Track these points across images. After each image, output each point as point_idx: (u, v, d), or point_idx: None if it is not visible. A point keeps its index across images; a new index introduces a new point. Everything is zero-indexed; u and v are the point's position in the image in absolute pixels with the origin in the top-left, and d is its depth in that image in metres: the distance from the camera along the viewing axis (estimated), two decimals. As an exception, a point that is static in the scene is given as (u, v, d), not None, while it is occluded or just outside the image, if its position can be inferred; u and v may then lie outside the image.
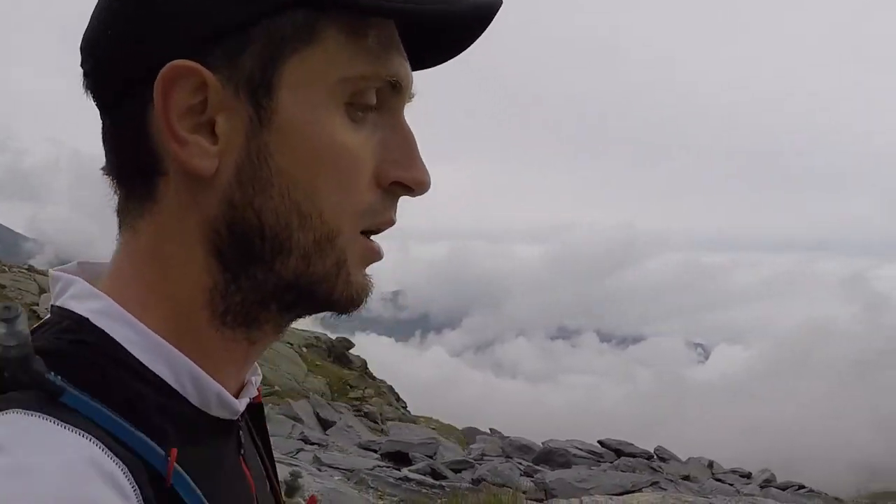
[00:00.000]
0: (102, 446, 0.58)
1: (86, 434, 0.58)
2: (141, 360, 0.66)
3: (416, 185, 0.73)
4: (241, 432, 0.77)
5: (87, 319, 0.66)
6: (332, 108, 0.69)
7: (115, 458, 0.59)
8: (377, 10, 0.68)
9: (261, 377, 0.80)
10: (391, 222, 0.74)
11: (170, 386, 0.67)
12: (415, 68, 0.76)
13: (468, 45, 0.76)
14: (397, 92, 0.73)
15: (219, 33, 0.67)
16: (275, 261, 0.69)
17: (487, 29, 0.74)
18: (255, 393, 0.79)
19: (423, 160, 0.74)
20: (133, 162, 0.69)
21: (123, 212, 0.72)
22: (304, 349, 33.63)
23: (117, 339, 0.65)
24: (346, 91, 0.69)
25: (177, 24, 0.67)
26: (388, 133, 0.73)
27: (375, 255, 0.74)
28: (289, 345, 32.67)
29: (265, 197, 0.67)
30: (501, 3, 0.73)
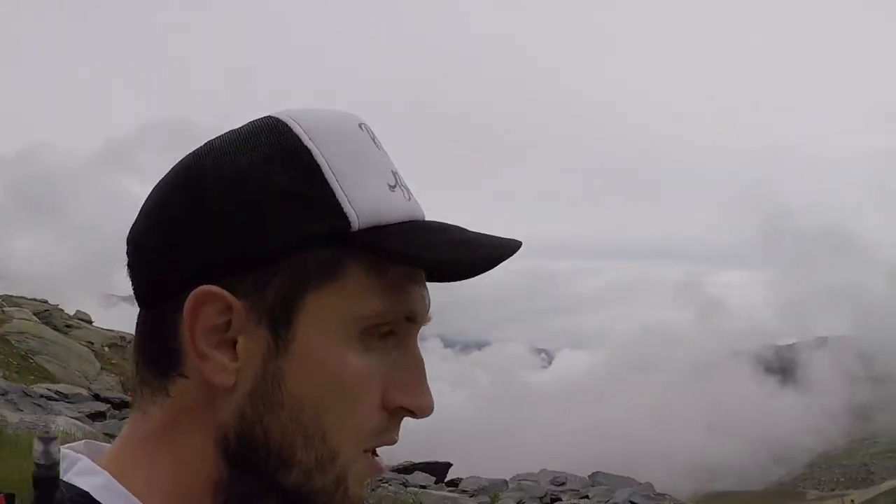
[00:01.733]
0: None
1: None
2: None
3: (420, 411, 0.77)
4: None
5: (89, 493, 0.70)
6: (346, 340, 0.73)
7: None
8: (400, 259, 0.74)
9: None
10: (393, 441, 0.77)
11: None
12: (434, 280, 0.80)
13: (480, 273, 0.79)
14: (412, 322, 0.77)
15: (251, 261, 0.72)
16: (277, 472, 0.73)
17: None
18: None
19: (429, 386, 0.78)
20: (157, 360, 0.75)
21: (137, 396, 0.77)
22: (107, 349, 33.62)
23: None
24: (360, 326, 0.73)
25: (215, 246, 0.72)
26: (399, 357, 0.76)
27: (377, 472, 0.78)
28: (89, 344, 32.65)
29: (274, 417, 0.72)
30: (518, 248, 0.78)
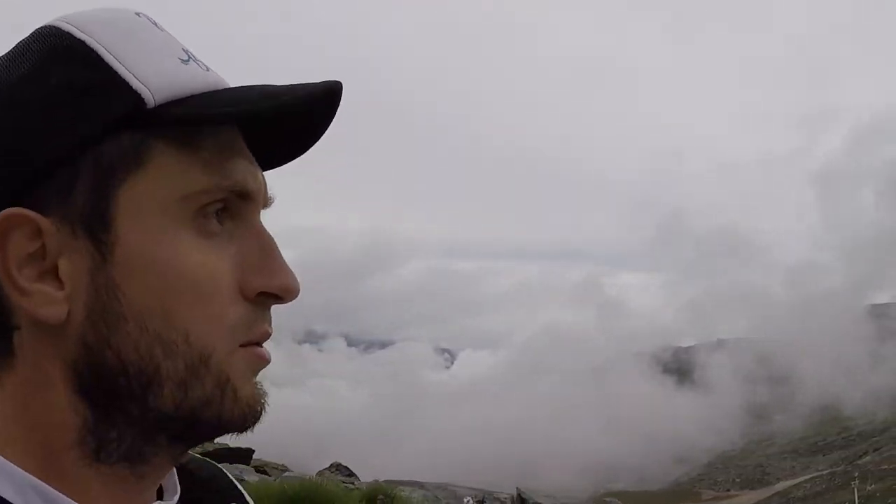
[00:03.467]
0: None
1: None
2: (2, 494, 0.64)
3: (283, 291, 0.70)
4: None
5: None
6: (176, 229, 0.66)
7: None
8: (204, 119, 0.67)
9: (178, 495, 0.74)
10: (267, 334, 0.71)
11: None
12: (271, 166, 0.75)
13: (321, 133, 0.74)
14: (248, 200, 0.70)
15: (46, 170, 0.65)
16: (147, 395, 0.65)
17: (336, 114, 0.72)
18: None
19: (287, 264, 0.71)
20: None
21: None
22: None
23: None
24: (189, 208, 0.66)
25: (3, 166, 0.65)
26: (246, 242, 0.69)
27: (261, 361, 0.70)
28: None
29: (121, 333, 0.65)
30: (341, 86, 0.71)
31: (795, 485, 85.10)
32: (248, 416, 0.69)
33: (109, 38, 0.68)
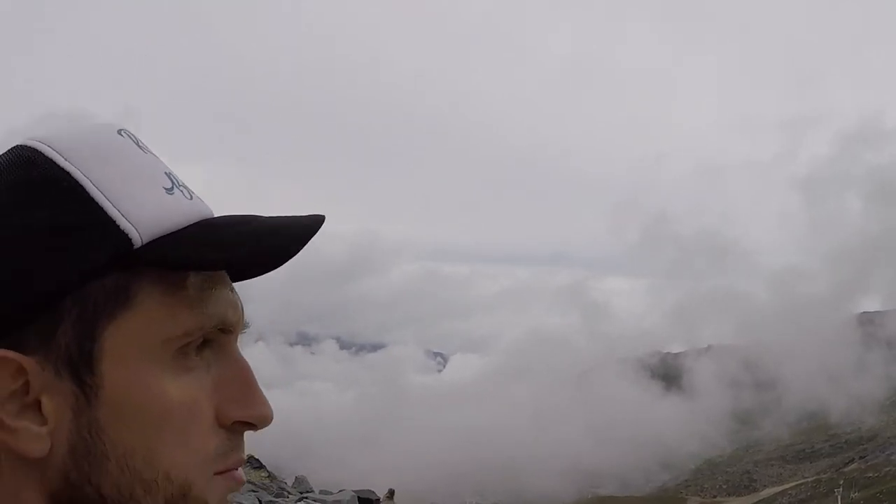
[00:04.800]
0: None
1: None
2: None
3: (259, 421, 0.72)
4: None
5: None
6: (159, 369, 0.67)
7: None
8: (194, 265, 0.68)
9: None
10: (242, 461, 0.72)
11: None
12: (244, 279, 0.75)
13: (293, 256, 0.73)
14: (226, 332, 0.71)
15: (27, 310, 0.65)
16: None
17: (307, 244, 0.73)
18: None
19: (263, 392, 0.73)
20: None
21: None
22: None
23: None
24: (171, 348, 0.68)
25: None
26: (223, 371, 0.71)
27: (237, 484, 0.73)
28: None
29: (102, 472, 0.66)
30: (322, 221, 0.73)
31: (781, 492, 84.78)
32: None
33: (94, 169, 0.66)
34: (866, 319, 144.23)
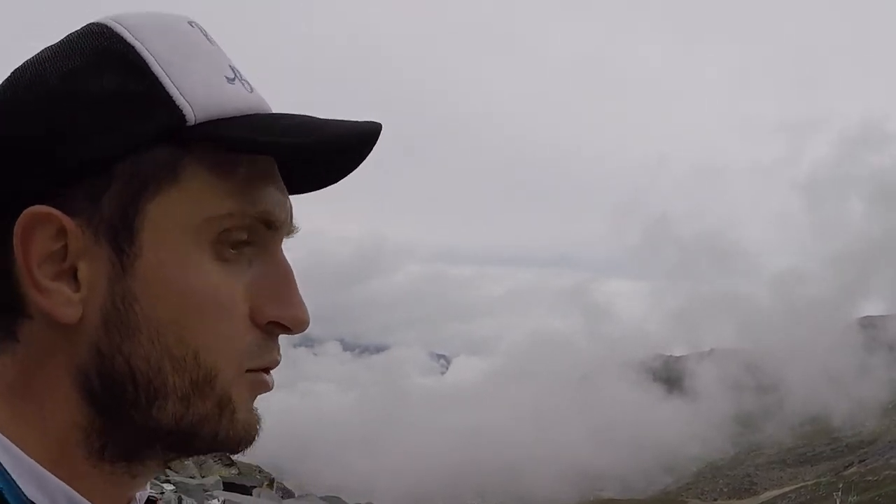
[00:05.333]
0: None
1: None
2: (18, 484, 0.64)
3: (294, 324, 0.71)
4: None
5: None
6: (197, 249, 0.67)
7: None
8: (247, 146, 0.68)
9: (147, 493, 0.77)
10: (276, 362, 0.72)
11: None
12: (298, 191, 0.75)
13: (354, 167, 0.75)
14: (271, 229, 0.70)
15: (78, 172, 0.65)
16: (151, 406, 0.67)
17: (371, 152, 0.73)
18: None
19: (301, 297, 0.72)
20: None
21: None
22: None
23: None
24: (212, 230, 0.67)
25: (37, 164, 0.65)
26: (264, 269, 0.70)
27: (265, 387, 0.72)
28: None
29: (134, 343, 0.66)
30: (380, 128, 0.71)
31: (781, 495, 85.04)
32: (243, 440, 0.71)
33: (159, 48, 0.68)
34: (868, 323, 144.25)
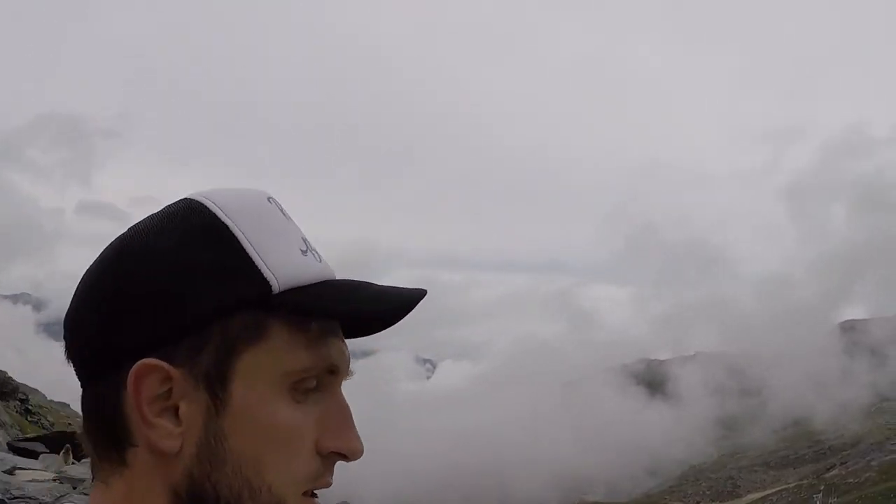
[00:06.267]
0: None
1: None
2: None
3: (351, 454, 0.89)
4: None
5: None
6: (278, 395, 0.84)
7: None
8: (319, 314, 0.85)
9: None
10: (328, 484, 0.87)
11: None
12: (350, 336, 0.92)
13: (392, 324, 0.91)
14: (335, 374, 0.89)
15: (183, 330, 0.82)
16: None
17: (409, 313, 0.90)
18: None
19: (357, 431, 0.89)
20: (109, 434, 0.84)
21: (97, 469, 0.86)
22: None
23: None
24: (289, 380, 0.84)
25: (147, 322, 0.81)
26: (327, 407, 0.88)
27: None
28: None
29: (220, 473, 0.82)
30: (423, 295, 0.88)
31: (763, 497, 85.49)
32: None
33: (247, 225, 0.84)
34: (850, 327, 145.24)
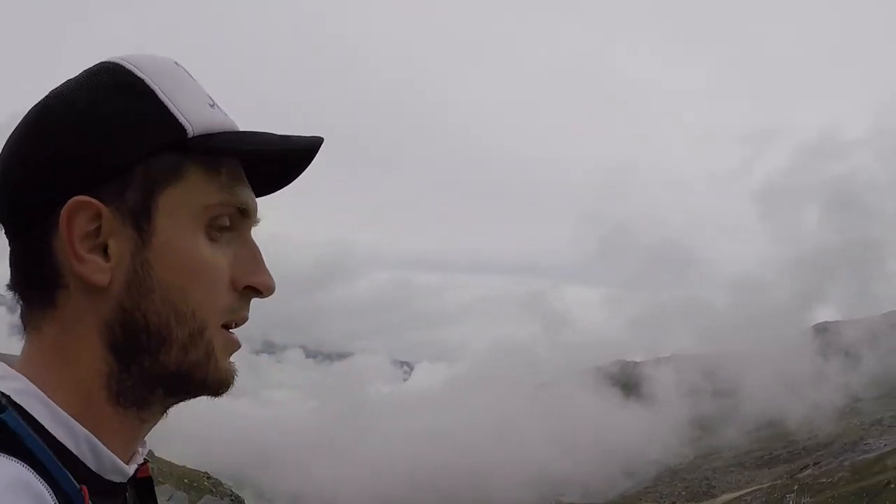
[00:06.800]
0: (33, 472, 0.76)
1: (20, 461, 0.75)
2: (50, 431, 0.82)
3: (264, 287, 0.95)
4: (127, 495, 0.92)
5: (9, 396, 0.81)
6: (195, 230, 0.90)
7: (42, 482, 0.76)
8: (231, 152, 0.92)
9: (147, 449, 0.95)
10: (245, 319, 0.95)
11: (72, 452, 0.82)
12: (260, 194, 0.99)
13: (295, 177, 1.01)
14: (245, 217, 0.95)
15: (109, 173, 0.87)
16: (159, 352, 0.88)
17: (309, 165, 0.98)
18: (143, 461, 0.94)
19: (267, 267, 0.96)
20: (38, 277, 0.88)
21: (27, 317, 0.90)
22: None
23: (32, 414, 0.81)
24: (205, 216, 0.91)
25: (74, 169, 0.87)
26: (239, 248, 0.94)
27: (235, 345, 0.95)
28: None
29: (149, 301, 0.87)
30: (321, 142, 0.96)
31: (737, 497, 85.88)
32: (223, 384, 0.93)
33: (161, 81, 0.91)
34: (823, 328, 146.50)
